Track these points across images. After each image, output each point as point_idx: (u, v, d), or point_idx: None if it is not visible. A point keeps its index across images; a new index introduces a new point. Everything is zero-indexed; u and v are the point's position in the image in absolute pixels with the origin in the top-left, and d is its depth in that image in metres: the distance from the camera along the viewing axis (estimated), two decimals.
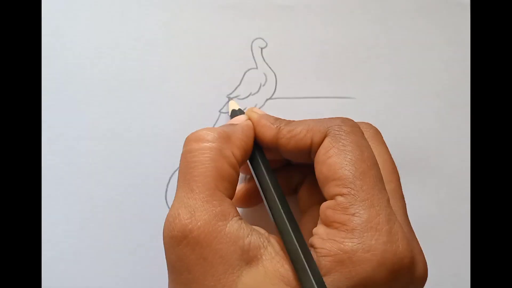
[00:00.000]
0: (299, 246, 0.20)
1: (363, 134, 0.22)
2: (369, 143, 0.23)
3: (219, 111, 0.29)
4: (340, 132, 0.21)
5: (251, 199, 0.27)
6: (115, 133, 0.29)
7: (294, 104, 0.30)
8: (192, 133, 0.22)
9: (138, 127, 0.29)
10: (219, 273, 0.19)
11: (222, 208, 0.20)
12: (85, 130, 0.29)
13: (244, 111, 0.28)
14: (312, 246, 0.20)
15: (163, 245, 0.21)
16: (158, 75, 0.29)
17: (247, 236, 0.20)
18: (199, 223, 0.19)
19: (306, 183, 0.26)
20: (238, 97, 0.30)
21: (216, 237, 0.19)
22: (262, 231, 0.21)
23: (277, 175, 0.27)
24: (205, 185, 0.20)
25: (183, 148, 0.22)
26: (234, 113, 0.27)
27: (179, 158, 0.29)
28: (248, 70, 0.30)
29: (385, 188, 0.21)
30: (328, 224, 0.20)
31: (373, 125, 0.24)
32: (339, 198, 0.20)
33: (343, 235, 0.19)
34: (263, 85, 0.30)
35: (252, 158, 0.24)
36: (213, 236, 0.19)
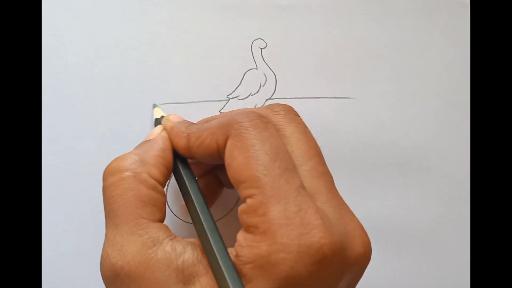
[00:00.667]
0: (219, 258, 0.19)
1: (266, 123, 0.21)
2: (281, 126, 0.22)
3: (219, 111, 0.29)
4: (240, 130, 0.20)
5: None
6: (115, 133, 0.29)
7: (294, 104, 0.30)
8: (107, 166, 0.22)
9: (138, 127, 0.29)
10: None
11: (149, 235, 0.20)
12: (85, 130, 0.29)
13: None
14: (236, 254, 0.19)
15: None
16: (158, 75, 0.29)
17: (180, 256, 0.19)
18: (127, 258, 0.19)
19: None
20: (238, 97, 0.30)
21: (147, 268, 0.19)
22: (198, 242, 0.21)
23: (219, 171, 0.27)
24: (127, 217, 0.20)
25: (102, 183, 0.22)
26: (157, 122, 0.27)
27: None
28: (248, 70, 0.30)
29: (295, 175, 0.20)
30: (245, 228, 0.19)
31: (284, 104, 0.23)
32: (249, 200, 0.19)
33: (258, 239, 0.18)
34: (263, 85, 0.30)
35: (174, 169, 0.23)
36: (144, 267, 0.19)
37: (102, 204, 0.28)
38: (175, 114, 0.25)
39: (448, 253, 0.30)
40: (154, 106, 0.28)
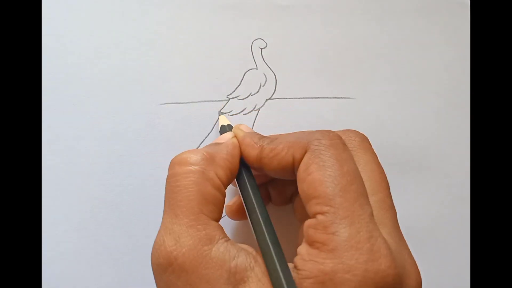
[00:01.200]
0: (280, 269, 0.19)
1: (345, 145, 0.21)
2: (355, 152, 0.22)
3: (219, 111, 0.29)
4: (319, 147, 0.21)
5: (244, 212, 0.27)
6: (115, 133, 0.29)
7: (294, 104, 0.30)
8: (176, 156, 0.22)
9: (138, 127, 0.29)
10: None
11: (207, 232, 0.20)
12: (85, 130, 0.29)
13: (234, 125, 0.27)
14: (295, 267, 0.20)
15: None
16: (158, 75, 0.29)
17: (234, 259, 0.20)
18: (183, 250, 0.19)
19: (296, 202, 0.26)
20: (238, 97, 0.30)
21: (201, 263, 0.19)
22: (250, 249, 0.21)
23: (271, 186, 0.27)
24: (189, 210, 0.20)
25: (168, 172, 0.22)
26: (223, 129, 0.27)
27: None
28: (248, 70, 0.30)
29: (368, 201, 0.20)
30: (310, 243, 0.19)
31: (359, 132, 0.24)
32: (320, 217, 0.19)
33: (323, 256, 0.19)
34: (263, 85, 0.30)
35: (238, 177, 0.24)
36: (198, 261, 0.19)
37: (102, 204, 0.28)
38: (245, 125, 0.26)
39: (448, 253, 0.30)
40: (220, 113, 0.29)
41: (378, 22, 0.31)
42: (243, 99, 0.30)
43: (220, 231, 0.20)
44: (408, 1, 0.32)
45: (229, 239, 0.20)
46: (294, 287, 0.19)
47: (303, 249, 0.20)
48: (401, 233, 0.22)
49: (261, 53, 0.30)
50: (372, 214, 0.20)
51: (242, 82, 0.30)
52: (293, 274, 0.19)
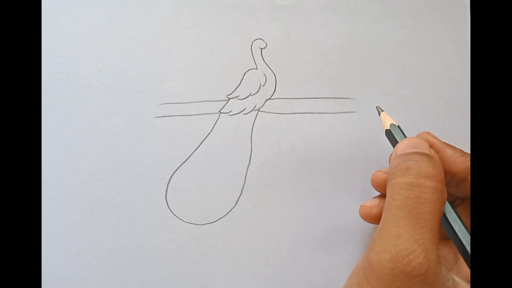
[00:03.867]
0: None
1: None
2: None
3: (219, 111, 0.29)
4: None
5: (378, 218, 0.26)
6: (115, 133, 0.29)
7: (294, 104, 0.30)
8: (420, 166, 0.22)
9: (138, 127, 0.29)
10: None
11: (439, 251, 0.20)
12: (85, 130, 0.29)
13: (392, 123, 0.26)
14: None
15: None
16: (158, 75, 0.29)
17: (449, 280, 0.20)
18: (431, 264, 0.20)
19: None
20: (238, 97, 0.30)
21: (437, 280, 0.20)
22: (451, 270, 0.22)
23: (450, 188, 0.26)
24: (433, 226, 0.20)
25: (400, 178, 0.22)
26: (396, 130, 0.25)
27: (179, 158, 0.29)
28: (248, 70, 0.30)
29: None
30: None
31: None
32: None
33: None
34: (263, 85, 0.30)
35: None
36: (435, 278, 0.20)
37: (102, 204, 0.28)
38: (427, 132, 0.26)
39: None
40: (380, 110, 0.27)
41: (378, 22, 0.31)
42: (243, 99, 0.30)
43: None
44: (408, 1, 0.32)
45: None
46: None
47: None
48: None
49: (261, 53, 0.30)
50: None
51: (242, 82, 0.30)
52: None
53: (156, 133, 0.29)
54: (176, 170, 0.29)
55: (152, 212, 0.29)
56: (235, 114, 0.30)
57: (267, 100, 0.30)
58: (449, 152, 0.24)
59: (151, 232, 0.28)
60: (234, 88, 0.30)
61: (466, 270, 0.24)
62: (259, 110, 0.30)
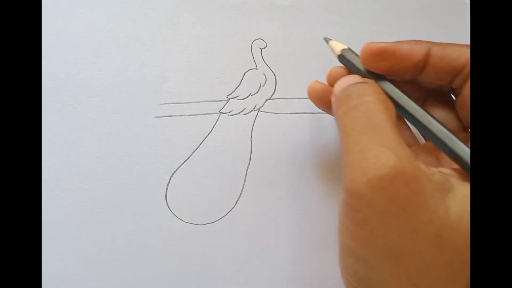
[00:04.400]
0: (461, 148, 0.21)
1: None
2: None
3: (219, 111, 0.29)
4: None
5: (326, 103, 0.26)
6: (115, 133, 0.29)
7: (294, 104, 0.30)
8: (354, 85, 0.22)
9: (138, 127, 0.29)
10: (432, 206, 0.19)
11: (409, 151, 0.20)
12: (85, 130, 0.29)
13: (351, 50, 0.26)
14: None
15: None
16: (158, 75, 0.29)
17: (435, 174, 0.20)
18: (404, 161, 0.19)
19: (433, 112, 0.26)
20: (238, 97, 0.30)
21: (419, 175, 0.19)
22: (436, 165, 0.21)
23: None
24: (392, 130, 0.20)
25: (346, 101, 0.22)
26: (348, 53, 0.25)
27: (179, 158, 0.29)
28: (248, 70, 0.30)
29: None
30: None
31: None
32: None
33: None
34: (263, 85, 0.30)
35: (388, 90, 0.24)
36: (417, 172, 0.19)
37: (102, 204, 0.28)
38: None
39: None
40: (328, 40, 0.27)
41: (378, 22, 0.31)
42: (243, 99, 0.30)
43: (412, 154, 0.20)
44: (408, 1, 0.32)
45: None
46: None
47: None
48: None
49: (261, 53, 0.30)
50: None
51: (242, 82, 0.30)
52: None
53: (156, 133, 0.29)
54: (176, 170, 0.29)
55: (152, 212, 0.29)
56: (235, 114, 0.30)
57: (267, 100, 0.30)
58: (405, 46, 0.24)
59: (151, 232, 0.28)
60: (234, 88, 0.30)
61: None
62: (259, 110, 0.30)
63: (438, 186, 0.19)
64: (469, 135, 0.24)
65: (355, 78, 0.24)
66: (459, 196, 0.20)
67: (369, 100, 0.21)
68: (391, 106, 0.22)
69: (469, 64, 0.22)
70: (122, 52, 0.29)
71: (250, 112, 0.30)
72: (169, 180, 0.29)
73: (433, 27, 0.32)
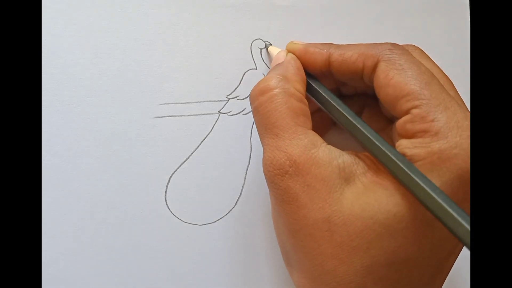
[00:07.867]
0: (392, 154, 0.21)
1: (411, 52, 0.24)
2: (421, 60, 0.24)
3: (219, 111, 0.29)
4: (393, 55, 0.23)
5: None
6: (115, 133, 0.29)
7: None
8: (254, 89, 0.24)
9: (138, 127, 0.29)
10: (324, 194, 0.21)
11: (309, 139, 0.22)
12: (85, 130, 0.29)
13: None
14: (403, 155, 0.21)
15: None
16: (158, 75, 0.29)
17: (339, 157, 0.22)
18: (294, 157, 0.21)
19: (366, 112, 0.27)
20: (238, 98, 0.30)
21: (312, 164, 0.21)
22: (349, 151, 0.23)
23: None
24: (285, 126, 0.22)
25: (252, 105, 0.24)
26: (278, 53, 0.28)
27: (179, 158, 0.29)
28: (248, 70, 0.30)
29: (448, 93, 0.22)
30: (410, 136, 0.21)
31: (416, 45, 0.25)
32: (415, 111, 0.21)
33: (428, 141, 0.21)
34: None
35: (309, 88, 0.25)
36: (309, 163, 0.21)
37: (102, 204, 0.28)
38: (295, 40, 0.28)
39: None
40: (267, 45, 0.30)
41: (378, 22, 0.31)
42: (243, 99, 0.30)
43: (319, 137, 0.23)
44: (408, 1, 0.32)
45: (328, 144, 0.23)
46: (411, 165, 0.20)
47: (403, 142, 0.22)
48: None
49: (261, 54, 0.30)
50: (457, 102, 0.22)
51: (241, 82, 0.30)
52: None
53: (155, 133, 0.29)
54: (176, 170, 0.29)
55: (152, 212, 0.29)
56: (235, 114, 0.30)
57: None
58: (310, 49, 0.26)
59: (150, 232, 0.28)
60: (234, 88, 0.30)
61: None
62: None
63: (338, 171, 0.21)
64: (392, 127, 0.24)
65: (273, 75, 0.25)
66: (358, 185, 0.21)
67: (263, 101, 0.23)
68: (298, 97, 0.23)
69: (368, 68, 0.23)
70: (122, 52, 0.29)
71: (250, 112, 0.30)
72: (169, 180, 0.29)
73: (433, 27, 0.32)
